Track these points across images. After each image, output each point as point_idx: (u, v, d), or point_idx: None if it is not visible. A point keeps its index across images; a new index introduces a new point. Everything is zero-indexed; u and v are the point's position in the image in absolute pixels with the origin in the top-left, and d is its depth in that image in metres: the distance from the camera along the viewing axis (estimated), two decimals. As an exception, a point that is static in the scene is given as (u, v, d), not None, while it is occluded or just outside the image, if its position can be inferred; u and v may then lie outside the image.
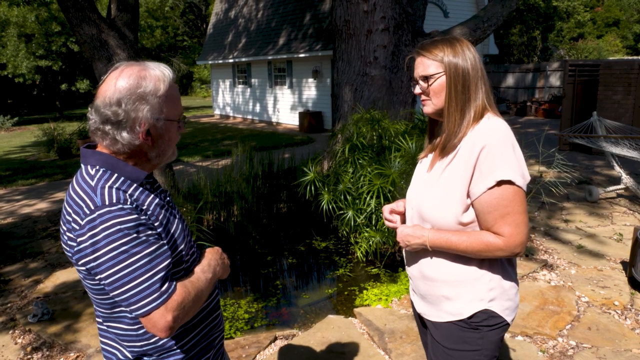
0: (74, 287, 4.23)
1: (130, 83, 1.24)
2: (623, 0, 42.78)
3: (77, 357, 3.18)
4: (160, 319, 1.17)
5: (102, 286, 1.23)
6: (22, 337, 3.46)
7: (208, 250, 1.48)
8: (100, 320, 1.37)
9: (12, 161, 11.62)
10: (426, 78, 1.54)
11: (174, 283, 1.23)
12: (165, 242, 1.26)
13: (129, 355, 1.34)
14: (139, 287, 1.16)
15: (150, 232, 1.22)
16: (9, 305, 3.98)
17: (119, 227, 1.16)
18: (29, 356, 3.22)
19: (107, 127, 1.25)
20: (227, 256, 1.53)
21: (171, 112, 1.31)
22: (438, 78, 1.51)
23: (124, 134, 1.25)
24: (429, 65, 1.52)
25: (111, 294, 1.20)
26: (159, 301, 1.18)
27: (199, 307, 1.30)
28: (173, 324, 1.19)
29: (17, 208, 7.16)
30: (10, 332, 3.55)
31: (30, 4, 19.66)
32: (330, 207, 4.54)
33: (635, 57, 28.24)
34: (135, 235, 1.17)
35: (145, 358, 1.34)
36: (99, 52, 5.48)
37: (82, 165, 1.30)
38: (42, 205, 7.23)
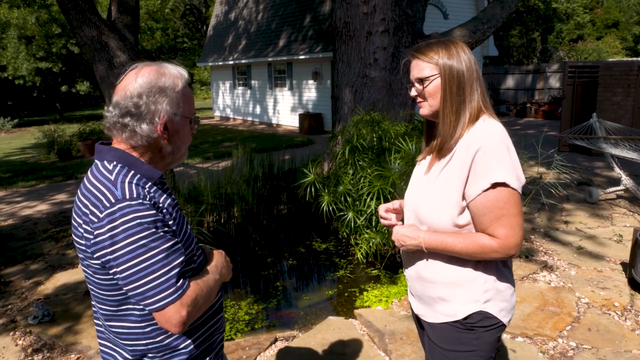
0: (75, 288, 4.24)
1: (150, 77, 1.29)
2: (622, 1, 42.85)
3: (78, 358, 3.18)
4: (175, 314, 1.20)
5: (115, 281, 1.24)
6: (22, 338, 3.47)
7: (215, 252, 1.50)
8: (101, 322, 1.37)
9: (12, 163, 11.62)
10: (421, 80, 1.54)
11: (187, 280, 1.26)
12: (179, 239, 1.28)
13: (128, 356, 1.34)
14: (155, 282, 1.18)
15: (166, 228, 1.24)
16: (9, 306, 3.98)
17: (139, 221, 1.18)
18: (30, 358, 3.22)
19: (127, 119, 1.28)
20: (229, 259, 1.56)
21: (187, 109, 1.36)
22: (433, 80, 1.52)
23: (144, 126, 1.28)
24: (424, 68, 1.53)
25: (125, 288, 1.21)
26: (174, 296, 1.20)
27: (208, 305, 1.33)
28: (187, 319, 1.22)
29: (17, 210, 7.16)
30: (11, 333, 3.55)
31: (30, 6, 19.68)
32: (330, 208, 4.55)
33: (634, 59, 28.26)
34: (154, 230, 1.19)
35: (146, 359, 1.35)
36: (100, 54, 5.49)
37: (98, 161, 1.31)
38: (42, 207, 7.23)
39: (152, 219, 1.20)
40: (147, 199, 1.23)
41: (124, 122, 1.28)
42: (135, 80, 1.28)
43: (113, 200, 1.19)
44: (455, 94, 1.50)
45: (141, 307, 1.28)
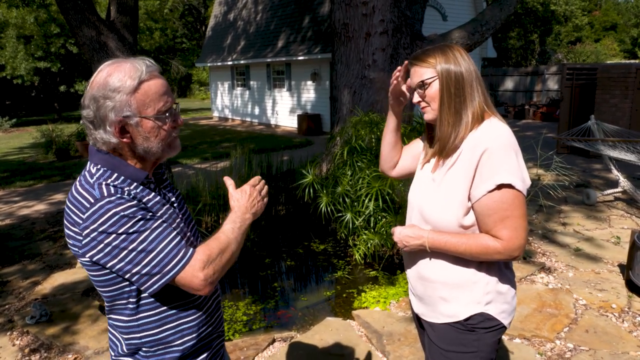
0: (72, 288, 4.23)
1: (99, 82, 1.26)
2: (621, 4, 42.96)
3: (75, 358, 3.17)
4: (193, 278, 1.22)
5: (108, 277, 1.26)
6: (20, 338, 3.46)
7: (234, 196, 1.43)
8: (107, 313, 1.39)
9: (10, 162, 11.60)
10: (421, 85, 1.56)
11: (190, 248, 1.27)
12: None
13: (124, 349, 1.36)
14: (158, 257, 1.20)
15: (151, 213, 1.26)
16: (6, 306, 3.97)
17: (122, 213, 1.19)
18: (27, 358, 3.21)
19: (89, 126, 1.29)
20: (259, 189, 1.46)
21: (147, 108, 1.27)
22: (432, 83, 1.54)
23: (101, 133, 1.27)
24: (423, 73, 1.55)
25: (128, 275, 1.22)
26: (182, 262, 1.22)
27: (232, 258, 1.33)
28: (209, 279, 1.24)
29: (15, 209, 7.15)
30: (8, 333, 3.54)
31: (29, 6, 19.67)
32: (328, 209, 4.55)
33: (632, 61, 28.35)
34: (140, 216, 1.21)
35: (141, 352, 1.36)
36: (98, 54, 5.49)
37: (88, 163, 1.32)
38: (40, 207, 7.22)
39: (134, 209, 1.21)
40: (126, 194, 1.23)
41: (89, 128, 1.29)
42: (89, 86, 1.27)
43: (92, 201, 1.21)
44: (454, 95, 1.51)
45: (135, 300, 1.29)
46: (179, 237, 1.26)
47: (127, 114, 1.25)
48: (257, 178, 1.48)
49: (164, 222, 1.26)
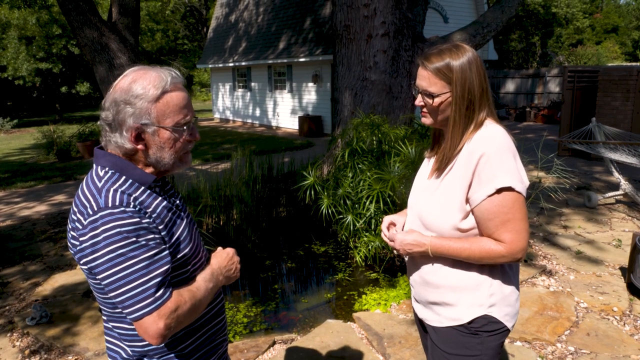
0: (73, 290, 4.23)
1: (122, 87, 1.26)
2: (622, 6, 42.98)
3: (76, 360, 3.17)
4: (152, 325, 1.17)
5: (103, 286, 1.25)
6: (20, 340, 3.46)
7: (216, 254, 1.47)
8: (105, 319, 1.38)
9: (11, 163, 11.61)
10: (431, 95, 1.51)
11: (170, 290, 1.23)
12: (166, 246, 1.26)
13: (131, 354, 1.35)
14: (133, 291, 1.17)
15: (151, 236, 1.22)
16: (7, 308, 3.97)
17: (118, 229, 1.17)
18: (27, 359, 3.21)
19: (106, 128, 1.29)
20: (238, 259, 1.50)
21: (166, 118, 1.28)
22: (444, 99, 1.50)
23: (117, 136, 1.27)
24: (434, 83, 1.49)
25: (109, 295, 1.21)
26: (152, 307, 1.17)
27: (194, 316, 1.29)
28: (165, 332, 1.18)
29: (16, 210, 7.15)
30: (9, 334, 3.54)
31: (31, 7, 19.71)
32: (329, 211, 4.54)
33: (634, 64, 28.34)
34: (134, 239, 1.18)
35: (145, 359, 1.35)
36: (100, 55, 5.49)
37: (94, 166, 1.32)
38: (41, 208, 7.22)
39: (133, 227, 1.19)
40: (131, 206, 1.21)
41: (104, 129, 1.29)
42: (112, 89, 1.28)
43: (96, 208, 1.20)
44: (464, 115, 1.49)
45: None
46: (165, 274, 1.21)
47: (145, 121, 1.26)
48: (233, 250, 1.52)
49: (160, 251, 1.22)
